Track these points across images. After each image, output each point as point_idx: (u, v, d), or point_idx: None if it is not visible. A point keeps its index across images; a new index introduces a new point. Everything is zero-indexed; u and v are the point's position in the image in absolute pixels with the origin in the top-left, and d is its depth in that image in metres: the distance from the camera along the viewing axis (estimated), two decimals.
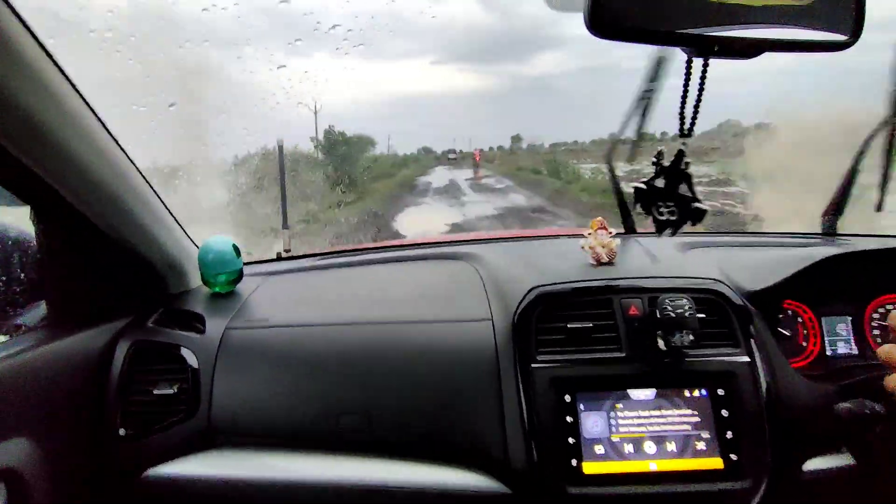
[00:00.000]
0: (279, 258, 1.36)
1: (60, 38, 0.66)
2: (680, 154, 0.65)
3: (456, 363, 0.87)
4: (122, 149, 0.81)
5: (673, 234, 0.68)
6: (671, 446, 0.79)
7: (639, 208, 0.69)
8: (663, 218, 0.68)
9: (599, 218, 1.02)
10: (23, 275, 0.85)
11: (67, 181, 0.74)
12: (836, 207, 1.25)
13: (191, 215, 1.00)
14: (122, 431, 0.84)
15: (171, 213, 0.98)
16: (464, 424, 0.83)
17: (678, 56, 0.59)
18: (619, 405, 0.81)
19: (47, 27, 0.62)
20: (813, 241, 1.26)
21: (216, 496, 0.82)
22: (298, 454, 0.84)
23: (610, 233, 1.01)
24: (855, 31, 0.57)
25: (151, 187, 0.90)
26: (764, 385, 0.81)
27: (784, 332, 1.00)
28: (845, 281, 0.99)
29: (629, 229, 1.30)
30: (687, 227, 0.69)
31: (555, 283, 0.89)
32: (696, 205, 0.66)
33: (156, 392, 0.86)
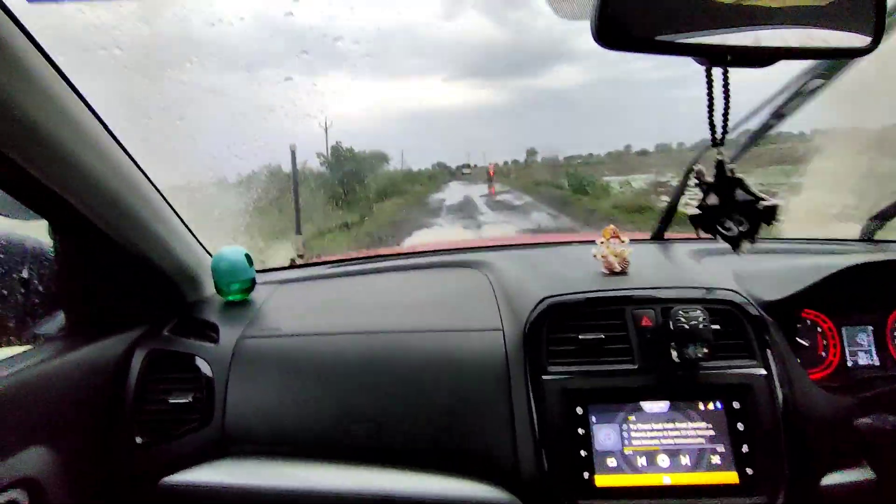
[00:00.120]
0: (292, 266, 1.37)
1: (72, 57, 0.67)
2: (720, 164, 0.62)
3: (466, 373, 0.86)
4: (135, 163, 0.83)
5: (752, 243, 0.63)
6: (685, 460, 0.78)
7: (702, 233, 0.64)
8: (733, 233, 0.63)
9: (612, 226, 1.01)
10: (41, 286, 0.87)
11: (84, 196, 0.75)
12: (885, 213, 1.22)
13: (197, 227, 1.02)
14: (138, 439, 0.86)
15: (185, 224, 0.99)
16: (474, 434, 0.83)
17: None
18: (632, 417, 0.80)
19: (60, 48, 0.64)
20: (845, 247, 1.23)
21: None
22: (310, 463, 0.85)
23: (622, 241, 0.99)
24: (876, 36, 0.55)
25: (165, 199, 0.91)
26: (781, 398, 0.79)
27: (802, 342, 0.97)
28: (866, 290, 0.97)
29: (657, 236, 1.30)
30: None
31: (566, 294, 0.88)
32: (764, 203, 0.62)
33: (171, 401, 0.87)
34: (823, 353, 0.98)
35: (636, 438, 0.79)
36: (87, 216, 0.77)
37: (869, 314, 1.00)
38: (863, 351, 0.99)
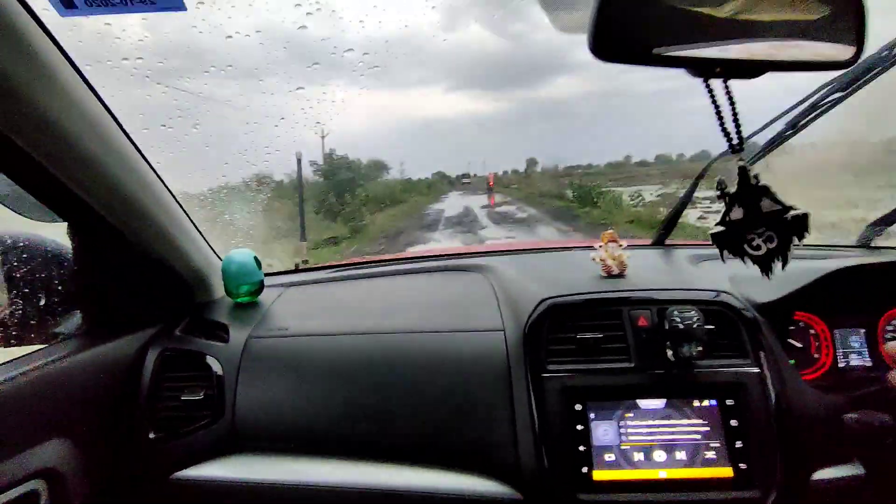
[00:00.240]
0: (297, 270, 1.40)
1: (97, 65, 0.71)
2: (743, 171, 0.58)
3: (469, 372, 0.89)
4: (152, 168, 0.86)
5: (784, 263, 0.58)
6: (681, 455, 0.80)
7: (727, 255, 0.60)
8: (761, 252, 0.58)
9: (610, 231, 1.04)
10: (60, 286, 0.90)
11: (104, 198, 0.79)
12: (885, 220, 1.25)
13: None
14: (151, 435, 0.89)
15: (197, 228, 1.02)
16: (476, 431, 0.85)
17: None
18: (629, 414, 0.82)
19: (87, 57, 0.68)
20: (841, 253, 1.25)
21: (239, 498, 0.86)
22: (317, 459, 0.87)
23: (620, 245, 1.03)
24: (857, 50, 0.57)
25: (179, 203, 0.95)
26: (773, 395, 0.81)
27: (796, 343, 1.00)
28: (857, 293, 0.99)
29: (658, 241, 1.32)
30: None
31: (565, 295, 0.91)
32: (793, 213, 0.56)
33: (183, 398, 0.90)
34: (816, 355, 1.01)
35: (633, 434, 0.81)
36: (107, 218, 0.81)
37: (861, 317, 1.02)
38: (855, 353, 1.01)
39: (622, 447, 0.81)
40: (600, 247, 1.03)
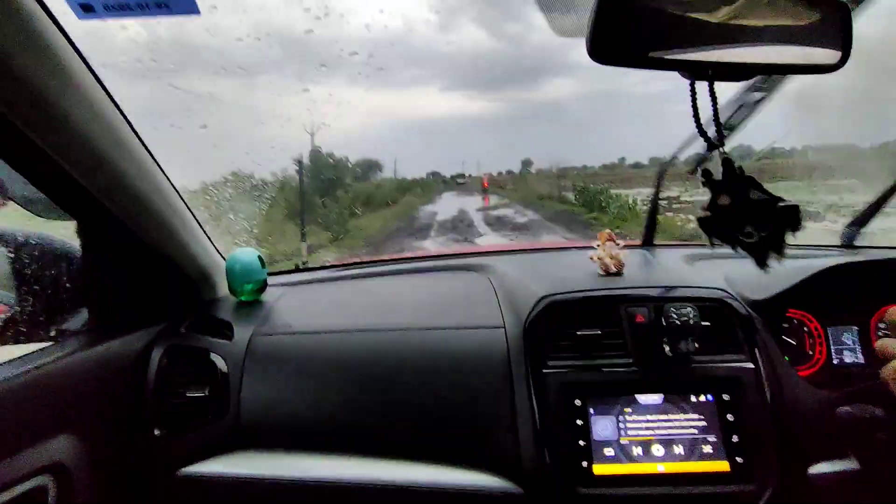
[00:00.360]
0: (298, 269, 1.42)
1: (110, 65, 0.73)
2: (727, 161, 0.56)
3: (470, 368, 0.90)
4: (160, 167, 0.88)
5: (780, 254, 0.56)
6: (679, 449, 0.82)
7: (717, 242, 0.57)
8: (754, 239, 0.56)
9: (607, 230, 1.06)
10: (68, 283, 0.92)
11: (113, 198, 0.80)
12: (861, 220, 1.28)
13: None
14: (157, 431, 0.90)
15: (202, 227, 1.04)
16: (478, 427, 0.87)
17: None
18: (628, 409, 0.84)
19: (100, 57, 0.70)
20: (829, 252, 1.28)
21: (244, 494, 0.87)
22: (321, 455, 0.89)
23: (618, 244, 1.05)
24: (844, 54, 0.60)
25: (185, 202, 0.97)
26: (768, 390, 0.83)
27: (790, 340, 1.02)
28: (850, 291, 1.01)
29: (647, 242, 1.35)
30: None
31: (564, 292, 0.93)
32: (783, 204, 0.55)
33: (188, 394, 0.91)
34: (810, 351, 1.03)
35: (632, 429, 0.83)
36: (116, 216, 0.82)
37: (853, 314, 1.04)
38: (848, 349, 1.03)
39: (621, 442, 0.82)
40: (598, 246, 1.05)
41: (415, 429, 0.88)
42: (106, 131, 0.74)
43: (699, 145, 1.11)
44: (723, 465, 0.80)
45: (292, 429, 0.90)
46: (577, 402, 0.84)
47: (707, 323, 0.86)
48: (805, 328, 1.04)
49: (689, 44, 0.57)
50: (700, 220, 0.57)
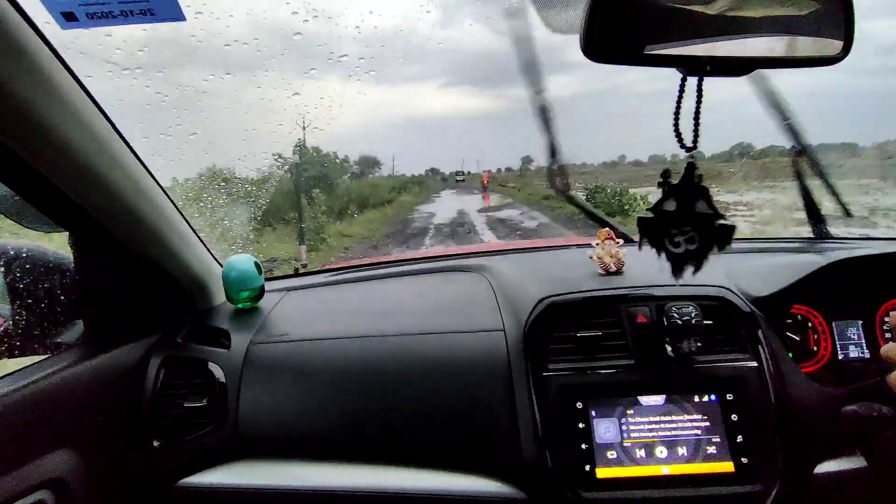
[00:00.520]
0: (297, 274, 1.41)
1: (98, 76, 0.72)
2: (690, 167, 0.56)
3: (470, 373, 0.90)
4: (153, 176, 0.87)
5: (697, 269, 0.57)
6: (682, 450, 0.81)
7: (646, 244, 0.58)
8: (680, 249, 0.58)
9: (606, 229, 1.05)
10: (62, 296, 0.91)
11: (103, 208, 0.80)
12: (814, 215, 1.29)
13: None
14: (155, 443, 0.89)
15: (197, 235, 1.03)
16: (479, 432, 0.86)
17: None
18: (630, 411, 0.83)
19: (86, 67, 0.69)
20: (821, 245, 1.27)
21: None
22: (321, 463, 0.88)
23: (617, 243, 1.03)
24: (845, 45, 0.58)
25: (179, 211, 0.96)
26: (772, 389, 0.82)
27: (794, 336, 1.01)
28: (854, 285, 1.00)
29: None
30: None
31: (563, 293, 0.92)
32: (721, 222, 0.55)
33: (186, 405, 0.91)
34: (815, 348, 1.02)
35: (635, 431, 0.82)
36: (107, 227, 0.82)
37: (858, 309, 1.03)
38: (853, 344, 1.02)
39: (624, 444, 0.81)
40: (597, 244, 1.04)
41: (415, 435, 0.87)
42: (95, 142, 0.73)
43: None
44: (727, 466, 0.79)
45: (291, 437, 0.89)
46: (579, 405, 0.83)
47: (709, 321, 0.84)
48: (809, 324, 1.02)
49: (685, 39, 0.56)
50: (639, 220, 0.58)
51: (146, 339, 0.96)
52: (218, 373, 0.93)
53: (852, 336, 1.02)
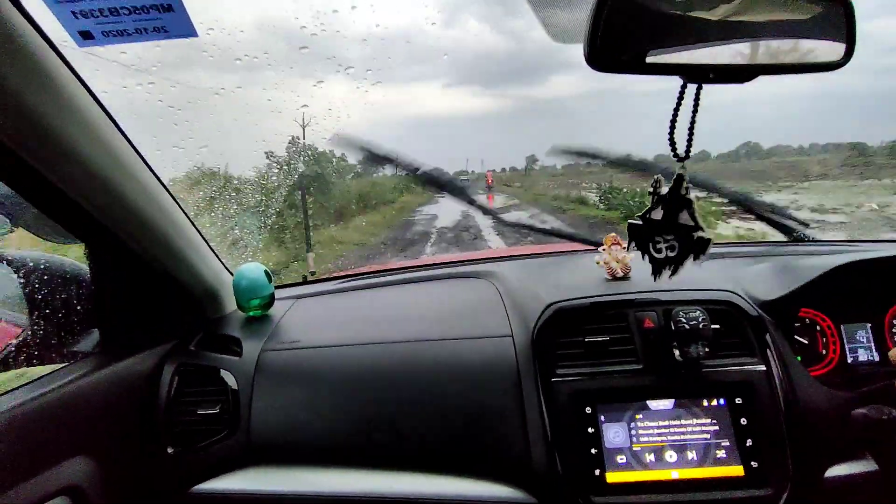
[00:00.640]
0: (305, 281, 1.42)
1: (114, 91, 0.74)
2: (679, 179, 0.61)
3: (479, 378, 0.90)
4: (165, 187, 0.89)
5: (673, 273, 0.62)
6: (692, 455, 0.81)
7: (633, 247, 0.64)
8: (662, 255, 0.63)
9: (613, 234, 1.05)
10: (79, 306, 0.93)
11: (118, 219, 0.81)
12: (776, 223, 1.28)
13: None
14: (170, 449, 0.90)
15: (209, 244, 1.05)
16: (489, 437, 0.86)
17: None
18: (639, 416, 0.83)
19: (104, 84, 0.71)
20: (828, 248, 1.26)
21: None
22: (333, 469, 0.89)
23: (624, 248, 1.04)
24: (848, 50, 0.59)
25: (191, 221, 0.97)
26: (781, 393, 0.82)
27: (802, 340, 1.01)
28: (863, 288, 1.00)
29: None
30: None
31: (571, 299, 0.92)
32: (699, 234, 0.61)
33: (200, 412, 0.92)
34: (824, 351, 1.01)
35: (644, 436, 0.82)
36: (122, 238, 0.83)
37: (866, 312, 1.03)
38: (862, 347, 1.02)
39: (633, 449, 0.82)
40: (604, 250, 1.04)
41: (425, 441, 0.88)
42: (110, 156, 0.75)
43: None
44: (737, 470, 0.79)
45: (303, 444, 0.90)
46: (588, 410, 0.83)
47: (717, 325, 0.85)
48: (817, 327, 1.02)
49: (687, 47, 0.57)
50: (630, 225, 0.64)
51: (160, 348, 0.98)
52: (230, 380, 0.95)
53: (861, 339, 1.02)
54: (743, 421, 0.81)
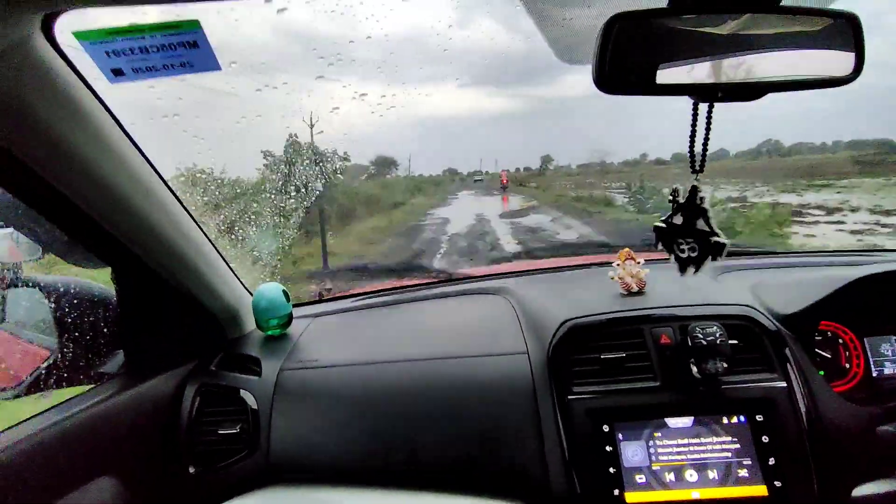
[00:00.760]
0: (322, 300, 1.44)
1: (139, 123, 0.78)
2: (694, 190, 0.66)
3: (495, 397, 0.90)
4: (188, 211, 0.92)
5: (696, 270, 0.68)
6: (713, 474, 0.79)
7: (660, 247, 0.70)
8: (685, 255, 0.68)
9: (627, 249, 1.06)
10: (105, 328, 0.96)
11: (144, 244, 0.84)
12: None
13: None
14: (192, 469, 0.92)
15: (230, 266, 1.07)
16: (505, 456, 0.86)
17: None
18: (658, 434, 0.82)
19: (131, 115, 0.75)
20: (853, 258, 1.24)
21: None
22: (351, 489, 0.89)
23: (638, 262, 1.04)
24: (857, 64, 0.59)
25: (213, 244, 1.00)
26: (803, 409, 0.81)
27: (825, 354, 0.99)
28: (883, 300, 0.98)
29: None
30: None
31: (586, 315, 0.92)
32: (715, 239, 0.66)
33: (220, 432, 0.93)
34: (847, 365, 0.99)
35: (663, 454, 0.81)
36: (147, 263, 0.86)
37: (891, 324, 1.01)
38: (888, 361, 0.99)
39: (653, 468, 0.81)
40: (618, 265, 1.04)
41: (443, 460, 0.88)
42: (135, 183, 0.78)
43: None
44: (760, 490, 0.78)
45: (320, 463, 0.91)
46: (605, 428, 0.83)
47: (735, 340, 0.84)
48: (840, 340, 1.00)
49: (696, 67, 0.58)
50: (656, 228, 0.70)
51: (182, 368, 1.00)
52: (250, 400, 0.96)
53: (886, 352, 1.00)
54: (765, 439, 0.80)
